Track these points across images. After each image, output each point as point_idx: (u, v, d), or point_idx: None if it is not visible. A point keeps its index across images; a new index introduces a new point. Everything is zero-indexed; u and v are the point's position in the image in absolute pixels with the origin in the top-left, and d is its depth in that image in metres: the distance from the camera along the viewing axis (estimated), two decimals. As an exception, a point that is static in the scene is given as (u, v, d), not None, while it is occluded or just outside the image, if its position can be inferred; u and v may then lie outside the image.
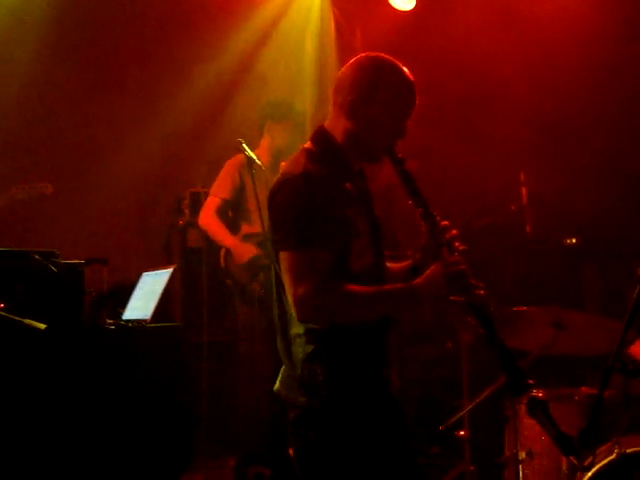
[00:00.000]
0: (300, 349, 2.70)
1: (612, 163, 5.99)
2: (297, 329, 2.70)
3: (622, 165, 5.97)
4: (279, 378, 2.82)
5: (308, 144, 2.82)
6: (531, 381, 2.65)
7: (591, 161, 6.05)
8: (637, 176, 5.91)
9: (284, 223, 2.63)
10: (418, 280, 2.66)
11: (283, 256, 2.63)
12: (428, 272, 2.66)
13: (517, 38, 6.20)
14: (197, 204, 6.23)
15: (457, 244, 2.72)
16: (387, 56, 2.82)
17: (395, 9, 6.34)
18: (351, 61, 2.84)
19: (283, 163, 5.60)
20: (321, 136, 2.81)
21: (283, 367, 2.80)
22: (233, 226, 5.49)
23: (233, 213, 5.54)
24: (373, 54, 2.83)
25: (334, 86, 2.83)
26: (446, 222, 2.76)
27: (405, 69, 2.80)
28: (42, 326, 3.56)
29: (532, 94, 6.23)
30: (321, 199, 2.60)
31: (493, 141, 6.26)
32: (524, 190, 5.37)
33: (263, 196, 5.26)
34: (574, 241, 5.84)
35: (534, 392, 2.67)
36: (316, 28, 6.79)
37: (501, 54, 6.22)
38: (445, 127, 6.18)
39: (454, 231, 2.75)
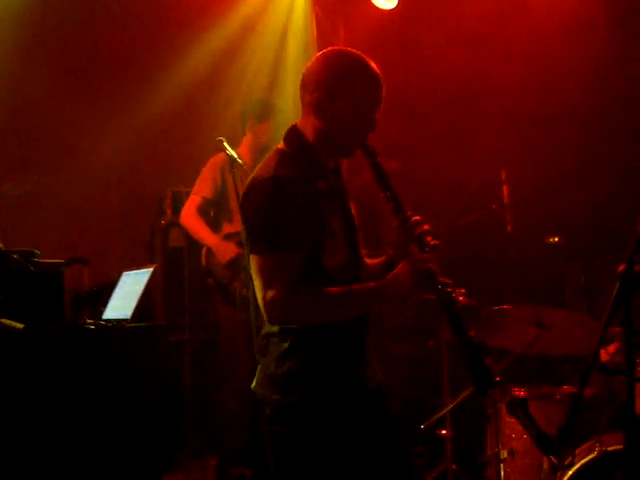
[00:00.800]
0: (274, 347, 2.72)
1: (595, 161, 6.00)
2: (271, 328, 2.72)
3: (605, 163, 5.99)
4: (255, 377, 2.83)
5: (281, 144, 2.81)
6: (498, 378, 2.62)
7: (574, 159, 6.07)
8: (620, 174, 5.93)
9: (253, 227, 2.65)
10: (385, 279, 2.65)
11: (253, 259, 2.64)
12: (395, 270, 2.65)
13: (501, 36, 6.20)
14: (179, 203, 6.21)
15: (428, 239, 2.70)
16: (351, 50, 2.79)
17: (377, 7, 6.33)
18: (315, 57, 2.81)
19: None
20: (293, 136, 2.80)
21: (259, 366, 2.81)
22: (215, 225, 5.47)
23: (215, 212, 5.52)
24: (336, 49, 2.82)
25: (300, 84, 2.80)
26: (417, 217, 2.74)
27: (370, 62, 2.77)
28: (20, 326, 3.53)
29: (515, 92, 6.23)
30: (290, 202, 2.60)
31: (475, 140, 6.27)
32: (505, 189, 5.37)
33: (244, 195, 5.31)
34: (557, 240, 5.84)
35: (515, 391, 2.67)
36: (298, 26, 6.77)
37: (484, 52, 6.22)
38: (426, 126, 6.19)
39: (425, 226, 2.73)
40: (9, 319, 3.57)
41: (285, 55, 6.74)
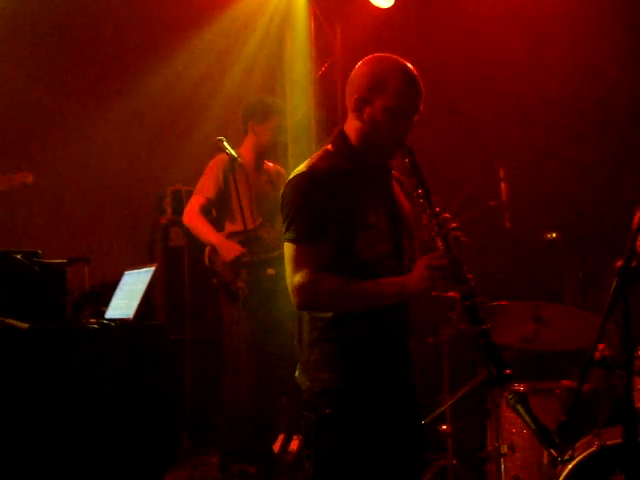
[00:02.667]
0: (307, 335, 2.86)
1: (593, 156, 6.03)
2: (305, 316, 2.87)
3: (603, 157, 6.01)
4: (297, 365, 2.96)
5: (329, 145, 2.95)
6: (509, 371, 2.68)
7: (571, 154, 6.09)
8: (617, 168, 5.96)
9: (287, 216, 2.80)
10: (408, 274, 2.75)
11: (286, 247, 2.80)
12: (416, 266, 2.74)
13: (498, 32, 6.22)
14: (178, 202, 6.24)
15: (457, 234, 2.79)
16: (391, 55, 2.90)
17: (374, 6, 6.35)
18: (360, 62, 2.93)
19: (267, 163, 5.64)
20: (338, 137, 2.94)
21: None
22: (217, 225, 5.49)
23: (217, 212, 5.54)
24: (379, 54, 2.93)
25: (346, 87, 2.93)
26: (447, 215, 2.82)
27: (409, 64, 2.87)
28: (24, 326, 3.56)
29: (512, 89, 6.26)
30: (320, 194, 2.75)
31: (473, 136, 6.29)
32: (503, 186, 5.40)
33: (245, 194, 5.33)
34: (554, 235, 5.87)
35: (514, 386, 2.71)
36: (295, 25, 6.79)
37: (480, 49, 6.25)
38: (424, 123, 6.20)
39: (454, 224, 2.81)
40: (14, 319, 3.60)
41: (283, 54, 6.76)
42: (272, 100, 5.77)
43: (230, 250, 5.29)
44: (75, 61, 6.56)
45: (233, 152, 5.19)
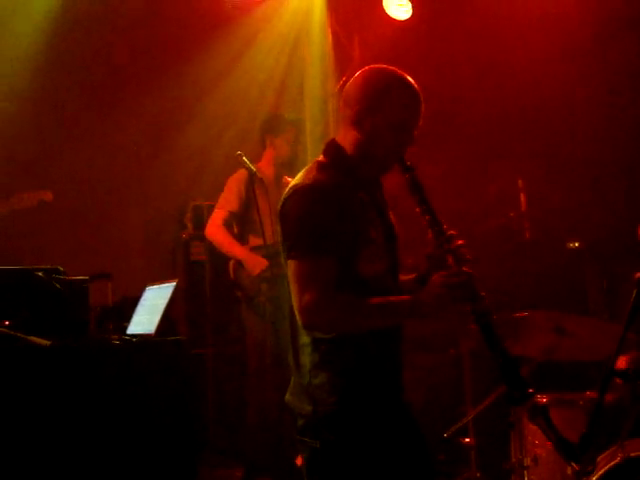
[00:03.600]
0: (308, 358, 2.74)
1: (612, 165, 6.00)
2: (305, 338, 2.74)
3: (623, 165, 5.98)
4: (289, 388, 2.86)
5: (320, 157, 2.88)
6: (531, 390, 2.65)
7: (590, 163, 6.06)
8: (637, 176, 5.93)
9: (291, 233, 2.70)
10: (422, 291, 2.68)
11: (290, 264, 2.68)
12: (430, 283, 2.68)
13: (514, 44, 6.22)
14: (199, 217, 6.27)
15: (464, 252, 2.74)
16: (392, 67, 2.86)
17: (392, 18, 6.37)
18: (357, 73, 2.88)
19: (286, 178, 5.66)
20: (332, 149, 2.87)
21: (292, 377, 2.84)
22: (239, 239, 5.52)
23: (239, 226, 5.57)
24: (378, 66, 2.88)
25: (342, 98, 2.88)
26: (453, 231, 2.78)
27: (410, 78, 2.83)
28: (47, 343, 3.57)
29: (533, 98, 6.24)
30: (325, 208, 2.66)
31: (491, 147, 6.27)
32: (522, 196, 5.38)
33: (265, 208, 5.34)
34: (577, 245, 5.84)
35: (536, 398, 2.68)
36: (314, 39, 6.81)
37: (498, 61, 6.24)
38: (442, 134, 6.20)
39: (460, 240, 2.77)
40: (35, 337, 3.61)
41: (302, 69, 6.78)
42: (287, 113, 5.81)
43: (256, 264, 5.31)
44: (95, 78, 6.61)
45: (252, 167, 5.22)
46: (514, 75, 6.26)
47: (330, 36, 6.72)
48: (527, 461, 4.29)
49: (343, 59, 6.59)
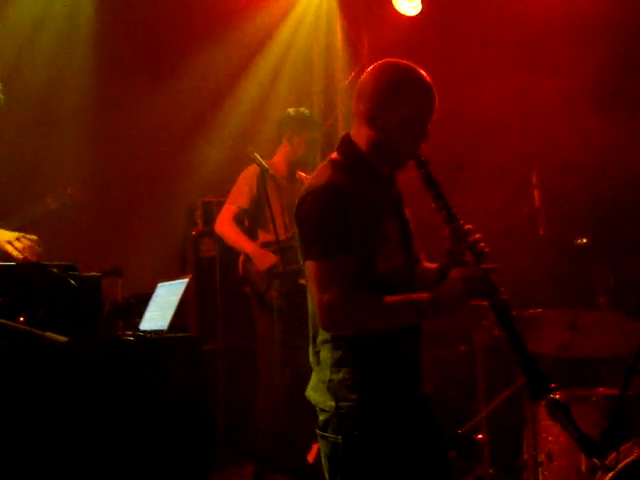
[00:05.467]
0: (328, 354, 2.74)
1: (620, 160, 5.99)
2: (325, 335, 2.74)
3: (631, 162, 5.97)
4: (309, 383, 2.86)
5: (334, 154, 2.84)
6: (553, 385, 2.64)
7: (603, 159, 6.06)
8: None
9: (309, 233, 2.68)
10: (439, 288, 2.67)
11: (308, 265, 2.67)
12: (448, 279, 2.67)
13: (525, 38, 6.21)
14: (209, 214, 6.27)
15: (481, 246, 2.72)
16: (404, 61, 2.82)
17: (401, 14, 6.36)
18: (369, 69, 2.84)
19: (300, 173, 5.64)
20: (346, 145, 2.84)
21: (313, 372, 2.84)
22: (250, 235, 5.51)
23: (249, 222, 5.56)
24: (390, 60, 2.84)
25: (355, 95, 2.84)
26: (470, 225, 2.77)
27: (423, 72, 2.80)
28: (63, 339, 3.57)
29: (543, 93, 6.22)
30: (342, 208, 2.63)
31: (505, 143, 6.25)
32: (536, 192, 5.36)
33: (276, 204, 5.33)
34: (585, 241, 5.83)
35: (554, 394, 2.67)
36: (322, 34, 6.81)
37: (509, 56, 6.23)
38: (453, 129, 6.19)
39: (478, 235, 2.75)
40: (51, 333, 3.61)
41: (311, 64, 6.78)
42: (310, 112, 5.77)
43: (264, 259, 5.30)
44: (108, 74, 6.61)
45: (264, 163, 5.21)
46: (526, 67, 6.23)
47: (340, 32, 6.72)
48: (541, 457, 4.30)
49: (352, 55, 6.59)
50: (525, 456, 4.45)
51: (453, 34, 6.55)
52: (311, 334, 2.81)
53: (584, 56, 6.05)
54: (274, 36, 6.81)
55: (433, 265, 3.01)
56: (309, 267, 2.66)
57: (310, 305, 2.79)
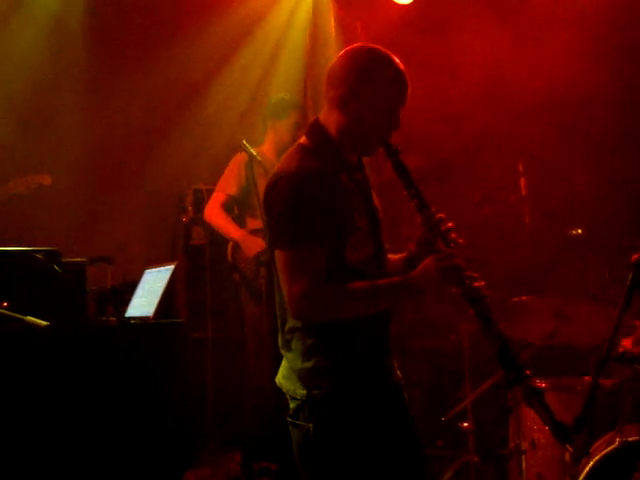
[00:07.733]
0: (300, 342, 2.71)
1: (617, 150, 5.98)
2: (295, 323, 2.71)
3: (627, 152, 5.96)
4: (280, 371, 2.84)
5: (303, 139, 2.81)
6: (528, 372, 2.63)
7: (593, 150, 6.04)
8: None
9: (277, 222, 2.63)
10: (412, 274, 2.66)
11: (277, 255, 2.64)
12: (421, 265, 2.65)
13: (516, 29, 6.20)
14: (200, 201, 6.26)
15: (453, 236, 2.71)
16: (376, 46, 2.77)
17: (396, 3, 6.34)
18: (340, 53, 2.80)
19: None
20: (315, 130, 2.79)
21: (284, 360, 2.82)
22: (239, 222, 5.51)
23: (238, 209, 5.57)
24: (362, 45, 2.80)
25: (326, 79, 2.80)
26: (442, 214, 2.75)
27: (395, 59, 2.75)
28: (43, 323, 3.58)
29: (532, 84, 6.21)
30: (313, 196, 2.59)
31: (492, 132, 6.24)
32: (523, 181, 5.35)
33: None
34: (579, 231, 5.81)
35: (532, 381, 2.66)
36: (316, 23, 6.79)
37: (500, 46, 6.21)
38: (444, 119, 6.18)
39: (450, 223, 2.73)
40: (33, 317, 3.61)
41: (304, 51, 6.76)
42: (290, 97, 5.78)
43: (252, 245, 5.31)
44: (94, 58, 6.60)
45: (253, 152, 5.21)
46: (518, 58, 6.21)
47: (332, 21, 6.70)
48: (525, 445, 4.30)
49: (346, 44, 6.55)
50: (510, 444, 4.46)
51: (447, 22, 6.53)
52: (280, 322, 2.79)
53: (578, 39, 6.03)
54: (267, 24, 6.79)
55: (397, 256, 3.00)
56: (279, 256, 2.63)
57: (277, 293, 2.77)
